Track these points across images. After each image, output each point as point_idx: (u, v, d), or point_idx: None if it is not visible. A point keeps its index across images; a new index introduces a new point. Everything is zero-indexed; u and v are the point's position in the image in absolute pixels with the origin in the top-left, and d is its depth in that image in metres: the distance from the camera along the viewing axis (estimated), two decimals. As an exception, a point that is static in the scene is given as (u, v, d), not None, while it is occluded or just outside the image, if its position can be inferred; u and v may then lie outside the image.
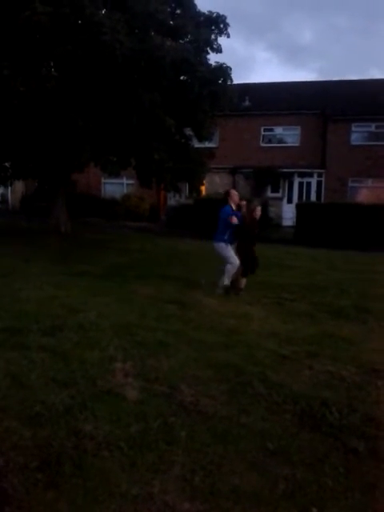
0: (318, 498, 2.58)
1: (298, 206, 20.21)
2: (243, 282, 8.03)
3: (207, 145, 19.07)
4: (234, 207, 7.96)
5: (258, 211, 8.01)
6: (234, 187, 25.12)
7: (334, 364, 4.58)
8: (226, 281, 7.81)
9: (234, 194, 8.17)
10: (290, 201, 24.35)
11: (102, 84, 11.42)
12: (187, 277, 9.25)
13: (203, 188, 24.55)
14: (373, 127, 23.72)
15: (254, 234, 8.05)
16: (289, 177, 24.76)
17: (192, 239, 17.20)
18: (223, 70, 12.37)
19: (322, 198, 23.88)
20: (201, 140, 14.29)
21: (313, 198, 24.31)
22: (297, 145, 25.28)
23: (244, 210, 8.04)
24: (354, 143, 23.70)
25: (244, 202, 8.17)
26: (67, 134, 11.48)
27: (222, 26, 12.83)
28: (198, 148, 15.49)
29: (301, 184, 24.75)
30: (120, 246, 14.52)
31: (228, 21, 12.87)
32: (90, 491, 2.56)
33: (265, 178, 24.71)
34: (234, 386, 3.99)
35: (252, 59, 72.62)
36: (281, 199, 24.80)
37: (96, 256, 11.76)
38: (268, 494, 2.61)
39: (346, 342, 5.38)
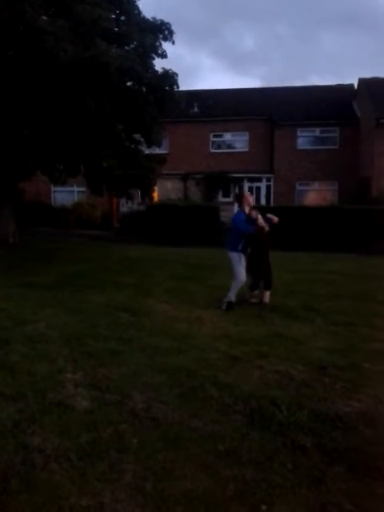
0: (268, 496, 2.63)
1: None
2: (267, 295, 7.48)
3: (158, 151, 19.11)
4: (247, 211, 7.24)
5: (260, 219, 7.25)
6: (186, 193, 25.32)
7: (283, 363, 4.68)
8: (232, 296, 7.19)
9: (249, 196, 7.47)
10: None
11: (47, 91, 11.23)
12: (140, 283, 9.21)
13: (155, 194, 24.58)
14: (317, 132, 24.50)
15: (267, 243, 7.58)
16: (239, 182, 25.15)
17: (145, 245, 17.15)
18: (169, 76, 12.46)
19: (272, 202, 24.39)
20: (150, 145, 14.31)
21: (262, 202, 24.78)
22: (246, 150, 25.74)
23: (257, 218, 7.22)
24: (300, 148, 24.39)
25: (256, 213, 7.32)
26: (12, 143, 11.20)
27: (166, 32, 12.92)
28: (148, 154, 15.49)
29: (251, 188, 25.18)
30: (71, 254, 14.28)
31: (172, 28, 12.98)
32: (37, 507, 2.50)
33: (216, 183, 25.01)
34: (186, 390, 4.01)
35: (198, 66, 73.61)
36: (232, 204, 25.11)
37: (46, 266, 11.51)
38: (218, 495, 2.63)
39: (294, 341, 5.51)
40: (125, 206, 25.36)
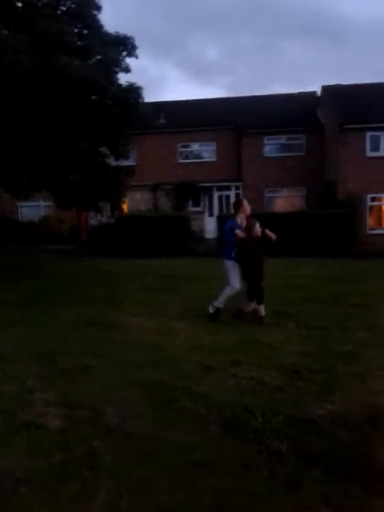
0: (244, 504, 2.60)
1: (219, 219, 20.69)
2: (262, 308, 6.98)
3: (125, 163, 19.06)
4: (239, 221, 7.08)
5: (257, 228, 6.98)
6: (156, 204, 25.29)
7: (257, 370, 4.68)
8: (221, 303, 7.05)
9: (247, 205, 7.27)
10: (211, 214, 24.85)
11: (7, 105, 11.07)
12: (111, 297, 9.11)
13: (125, 206, 24.47)
14: (284, 139, 24.88)
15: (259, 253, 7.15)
16: (208, 191, 25.30)
17: (115, 258, 17.01)
18: (134, 90, 12.47)
19: (242, 210, 24.58)
20: (117, 158, 14.25)
21: (232, 210, 24.93)
22: (214, 159, 25.92)
23: (254, 226, 6.98)
24: (267, 155, 24.70)
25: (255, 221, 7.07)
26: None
27: (129, 46, 12.95)
28: (116, 166, 15.42)
29: (220, 197, 25.36)
30: (40, 270, 14.04)
31: (135, 42, 13.02)
32: (7, 533, 2.40)
33: (185, 193, 25.08)
34: (160, 402, 3.96)
35: (163, 77, 74.06)
36: (202, 213, 25.25)
37: (13, 283, 11.27)
38: (195, 508, 2.59)
39: (268, 347, 5.53)
40: (94, 219, 25.14)
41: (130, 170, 15.84)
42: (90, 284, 10.98)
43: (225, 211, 24.53)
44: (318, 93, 26.29)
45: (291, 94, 27.68)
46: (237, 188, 25.26)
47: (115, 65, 12.72)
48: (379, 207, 21.68)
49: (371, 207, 21.29)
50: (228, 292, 7.10)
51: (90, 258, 17.84)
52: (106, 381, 4.49)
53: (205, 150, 26.43)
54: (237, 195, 25.29)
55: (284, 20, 73.69)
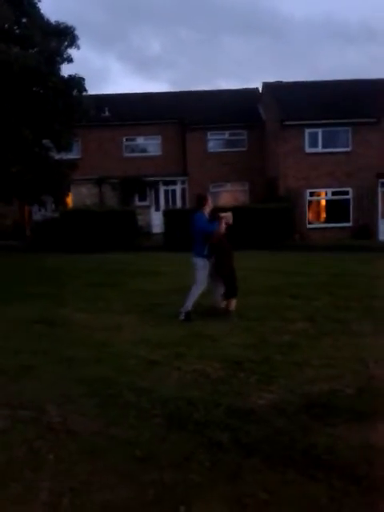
0: (186, 496, 2.65)
1: (165, 213, 20.72)
2: (233, 303, 6.86)
3: (69, 156, 18.67)
4: (207, 213, 6.97)
5: (229, 218, 6.90)
6: (101, 198, 24.95)
7: (200, 362, 4.77)
8: (189, 305, 6.76)
9: (210, 199, 7.19)
10: (157, 209, 24.81)
11: None
12: (56, 293, 8.94)
13: (69, 200, 23.97)
14: (226, 135, 25.19)
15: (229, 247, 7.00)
16: (154, 185, 25.23)
17: (61, 254, 16.67)
18: (76, 81, 12.24)
19: (187, 204, 24.72)
20: (60, 150, 13.96)
21: (178, 204, 25.04)
22: (159, 154, 25.85)
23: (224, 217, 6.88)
24: (211, 150, 24.93)
25: (226, 214, 7.02)
26: None
27: (71, 36, 12.68)
28: (59, 160, 15.08)
29: (166, 191, 25.36)
30: (-20, 267, 13.53)
31: (77, 32, 12.75)
32: None
33: (131, 187, 24.88)
34: (104, 398, 3.96)
35: (107, 69, 72.67)
36: (149, 207, 25.15)
37: None
38: (137, 502, 2.62)
39: (211, 339, 5.64)
40: (38, 214, 24.45)
41: (73, 164, 15.55)
42: (33, 280, 10.72)
43: (171, 206, 24.58)
44: (260, 89, 26.76)
45: (234, 89, 28.04)
46: (182, 182, 25.36)
47: (56, 54, 12.42)
48: (317, 202, 22.46)
49: (310, 202, 22.00)
50: (195, 292, 6.80)
51: (34, 253, 17.39)
52: (49, 379, 4.43)
53: (150, 144, 26.31)
54: (182, 189, 25.40)
55: (224, 15, 74.19)
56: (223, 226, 6.72)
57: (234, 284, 6.86)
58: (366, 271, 11.03)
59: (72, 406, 3.81)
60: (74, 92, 12.40)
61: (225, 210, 19.83)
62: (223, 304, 6.95)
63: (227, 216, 6.90)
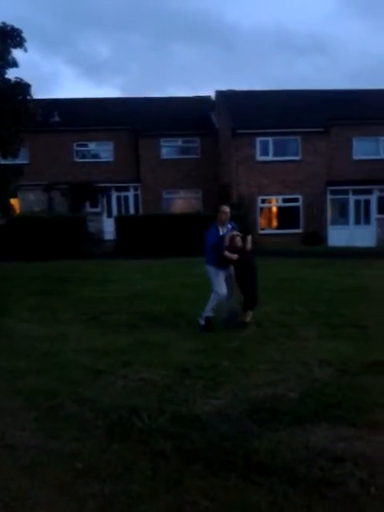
0: (127, 507, 2.59)
1: (116, 220, 20.52)
2: (249, 315, 6.63)
3: (17, 161, 18.17)
4: (220, 228, 6.61)
5: (238, 242, 6.48)
6: (50, 204, 24.41)
7: (147, 370, 4.70)
8: (208, 311, 6.51)
9: (223, 211, 6.62)
10: (109, 215, 24.49)
11: None
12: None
13: (16, 206, 23.32)
14: (180, 142, 25.29)
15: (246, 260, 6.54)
16: (106, 191, 24.93)
17: (6, 262, 16.12)
18: (22, 86, 11.93)
19: (140, 211, 24.60)
20: (5, 157, 13.53)
21: (131, 210, 24.86)
22: (111, 160, 25.61)
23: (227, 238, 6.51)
24: (164, 157, 24.94)
25: (237, 237, 6.52)
26: None
27: (17, 39, 12.36)
28: (4, 165, 14.63)
29: (118, 198, 25.13)
30: None
31: (23, 35, 12.44)
32: None
33: (82, 193, 24.47)
34: (44, 411, 3.83)
35: (55, 74, 71.61)
36: (100, 214, 24.81)
37: None
38: (76, 516, 2.53)
39: (159, 346, 5.58)
40: (-16, 221, 23.63)
41: (19, 170, 15.10)
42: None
43: (124, 212, 24.37)
44: (213, 97, 27.07)
45: (187, 97, 28.25)
46: (135, 189, 25.21)
47: (0, 58, 12.06)
48: (269, 209, 22.89)
49: (262, 209, 22.40)
50: (214, 299, 6.55)
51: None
52: (-13, 392, 4.24)
53: (102, 150, 26.03)
54: (135, 196, 25.26)
55: (173, 22, 74.99)
56: (227, 240, 6.44)
57: (252, 297, 6.62)
58: (314, 276, 11.29)
59: (10, 420, 3.67)
60: (20, 97, 12.07)
61: (179, 217, 19.98)
62: (248, 317, 6.63)
63: (235, 236, 6.52)
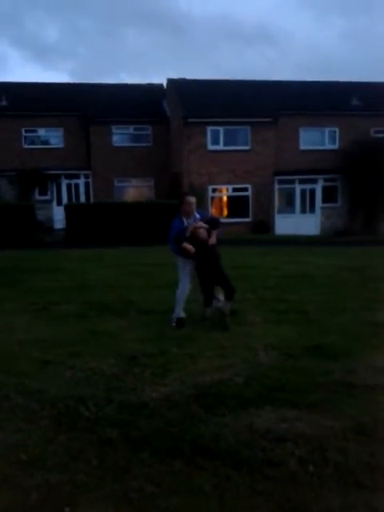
0: (72, 496, 2.58)
1: (66, 208, 20.13)
2: (228, 307, 6.15)
3: None
4: (185, 220, 6.08)
5: (201, 234, 5.92)
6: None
7: (95, 360, 4.67)
8: (179, 311, 6.08)
9: (188, 202, 6.10)
10: (59, 203, 23.97)
11: None
12: None
13: None
14: (131, 129, 25.01)
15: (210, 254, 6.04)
16: (56, 179, 24.37)
17: None
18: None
19: (91, 199, 24.22)
20: None
21: (82, 198, 24.44)
22: (61, 146, 25.03)
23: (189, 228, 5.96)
24: (115, 145, 24.61)
25: (201, 228, 5.97)
26: None
27: None
28: None
29: (69, 185, 24.62)
30: None
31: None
32: None
33: (31, 180, 23.79)
34: (-12, 403, 3.74)
35: (2, 56, 68.68)
36: (50, 202, 24.24)
37: None
38: (19, 507, 2.51)
39: (108, 336, 5.56)
40: None
41: None
42: None
43: (74, 200, 23.92)
44: (164, 85, 26.89)
45: (139, 84, 27.94)
46: (86, 176, 24.77)
47: None
48: (220, 198, 23.13)
49: (212, 198, 22.60)
50: (180, 296, 6.11)
51: None
52: None
53: (52, 136, 25.39)
54: (86, 184, 24.82)
55: (124, 7, 73.50)
56: (189, 231, 5.90)
57: (228, 286, 6.16)
58: (262, 264, 11.54)
59: None
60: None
61: (130, 205, 19.80)
62: (228, 307, 6.16)
63: (199, 228, 5.98)
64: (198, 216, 6.21)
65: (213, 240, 6.00)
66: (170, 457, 2.91)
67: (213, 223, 6.19)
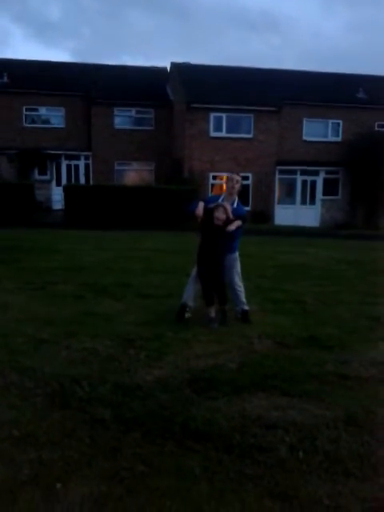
0: (63, 473, 2.60)
1: (65, 189, 20.04)
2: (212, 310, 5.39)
3: None
4: (222, 196, 5.47)
5: (220, 212, 5.16)
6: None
7: (91, 340, 4.69)
8: (184, 295, 5.57)
9: (233, 176, 5.50)
10: (58, 184, 23.88)
11: None
12: None
13: None
14: (133, 112, 24.81)
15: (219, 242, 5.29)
16: (56, 159, 24.23)
17: None
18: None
19: (91, 181, 24.11)
20: None
21: (82, 180, 24.34)
22: (62, 126, 24.83)
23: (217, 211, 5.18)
24: (117, 127, 24.43)
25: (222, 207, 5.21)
26: None
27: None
28: None
29: (69, 166, 24.49)
30: None
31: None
32: None
33: (31, 160, 23.66)
34: (-18, 379, 3.75)
35: (3, 32, 67.54)
36: (49, 182, 24.15)
37: None
38: (11, 482, 2.53)
39: (105, 317, 5.56)
40: None
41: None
42: None
43: (73, 182, 23.80)
44: (168, 69, 26.61)
45: (142, 67, 27.69)
46: (86, 158, 24.64)
47: None
48: (220, 185, 23.01)
49: (213, 185, 22.50)
50: (189, 280, 5.65)
51: None
52: None
53: (53, 116, 25.18)
54: (86, 165, 24.69)
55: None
56: (200, 210, 5.17)
57: (222, 291, 5.49)
58: (260, 253, 11.54)
59: None
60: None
61: (130, 189, 19.69)
62: (212, 314, 5.36)
63: (221, 206, 5.23)
64: (234, 205, 5.42)
65: (231, 226, 5.19)
66: (162, 438, 2.94)
67: (241, 217, 5.37)
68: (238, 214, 5.29)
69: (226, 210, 5.18)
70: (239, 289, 5.63)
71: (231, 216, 5.17)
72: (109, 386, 3.62)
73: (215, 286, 5.38)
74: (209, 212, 5.21)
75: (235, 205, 5.44)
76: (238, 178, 5.41)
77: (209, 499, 2.41)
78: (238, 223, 5.26)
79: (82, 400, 3.38)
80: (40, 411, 3.26)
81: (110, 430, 3.04)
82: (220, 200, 5.38)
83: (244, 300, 5.63)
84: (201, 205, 5.20)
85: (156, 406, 3.32)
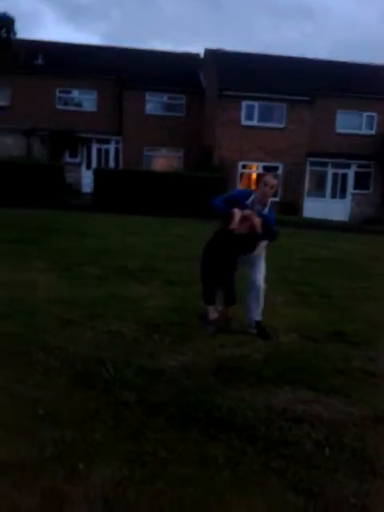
0: (86, 454, 2.61)
1: (95, 172, 20.11)
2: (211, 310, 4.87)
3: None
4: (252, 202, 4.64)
5: (256, 222, 4.45)
6: (29, 150, 23.70)
7: (116, 323, 4.70)
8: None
9: (268, 181, 4.63)
10: (88, 167, 23.99)
11: None
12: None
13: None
14: (165, 98, 24.65)
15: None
16: (87, 142, 24.33)
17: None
18: (4, 20, 11.30)
19: (121, 165, 24.16)
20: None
21: (111, 164, 24.41)
22: (94, 110, 24.87)
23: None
24: (148, 112, 24.34)
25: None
26: None
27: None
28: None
29: (99, 150, 24.58)
30: None
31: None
32: None
33: (62, 142, 23.80)
34: (10, 355, 3.80)
35: (36, 14, 67.66)
36: (79, 165, 24.29)
37: None
38: (35, 459, 2.55)
39: (130, 301, 5.57)
40: None
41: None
42: None
43: (103, 165, 23.89)
44: (201, 55, 26.31)
45: (175, 52, 27.41)
46: (117, 142, 24.66)
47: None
48: (249, 175, 22.77)
49: (242, 174, 22.26)
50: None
51: None
52: None
53: (85, 99, 25.24)
54: (116, 150, 24.74)
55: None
56: (236, 219, 4.45)
57: (231, 290, 4.95)
58: (287, 245, 11.36)
59: (-27, 362, 3.63)
60: (2, 32, 11.45)
61: (159, 175, 19.63)
62: (212, 315, 4.86)
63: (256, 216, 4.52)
64: (266, 209, 4.73)
65: (256, 252, 4.72)
66: (185, 425, 2.92)
67: (270, 233, 4.69)
68: (267, 224, 4.60)
69: (254, 226, 4.47)
70: (260, 293, 4.79)
71: (260, 230, 4.49)
72: (133, 369, 3.62)
73: (222, 282, 4.87)
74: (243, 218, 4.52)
75: (267, 210, 4.74)
76: (274, 183, 4.71)
77: (231, 489, 2.38)
78: (262, 246, 4.74)
79: (106, 382, 3.39)
80: (65, 391, 3.28)
81: (134, 413, 3.03)
82: (250, 200, 4.68)
83: (260, 310, 4.81)
84: (237, 215, 4.47)
85: (180, 392, 3.31)
